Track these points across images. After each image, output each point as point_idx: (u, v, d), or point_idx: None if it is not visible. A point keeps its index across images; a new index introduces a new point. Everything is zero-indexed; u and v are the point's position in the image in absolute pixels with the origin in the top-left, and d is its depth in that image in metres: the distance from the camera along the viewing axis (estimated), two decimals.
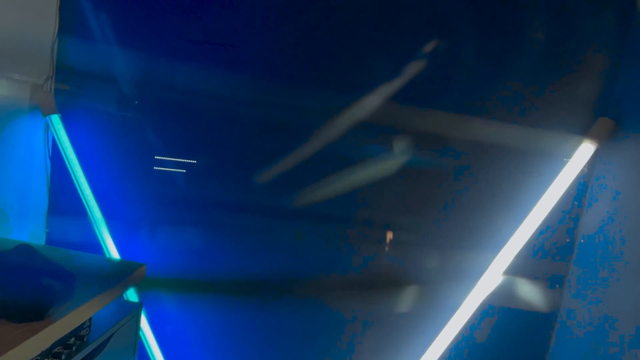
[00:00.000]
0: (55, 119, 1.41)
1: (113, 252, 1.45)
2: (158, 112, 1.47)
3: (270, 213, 1.46)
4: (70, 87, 1.45)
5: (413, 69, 1.36)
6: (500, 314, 1.40)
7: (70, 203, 1.45)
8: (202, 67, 1.42)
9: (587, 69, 1.31)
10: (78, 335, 0.94)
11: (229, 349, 1.53)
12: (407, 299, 1.44)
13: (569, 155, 1.29)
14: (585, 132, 1.28)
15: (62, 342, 0.89)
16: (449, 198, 1.41)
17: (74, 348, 0.92)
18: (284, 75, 1.43)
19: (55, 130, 1.41)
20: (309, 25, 1.40)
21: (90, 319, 0.97)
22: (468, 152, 1.38)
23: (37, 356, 0.82)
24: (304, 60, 1.43)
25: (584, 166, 1.30)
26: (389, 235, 1.46)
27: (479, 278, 1.33)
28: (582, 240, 1.34)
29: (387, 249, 1.46)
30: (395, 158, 1.40)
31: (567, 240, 1.36)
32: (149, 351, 1.49)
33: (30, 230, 1.47)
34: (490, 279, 1.33)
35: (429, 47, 1.36)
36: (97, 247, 1.44)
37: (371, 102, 1.38)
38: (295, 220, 1.45)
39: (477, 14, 1.35)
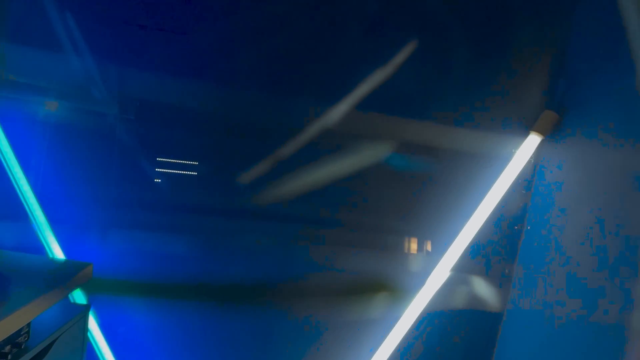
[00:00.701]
0: None
1: (58, 254, 1.36)
2: (99, 98, 1.38)
3: (228, 215, 1.42)
4: (2, 73, 1.34)
5: (377, 76, 1.37)
6: (447, 313, 1.42)
7: (5, 197, 1.34)
8: (147, 56, 1.36)
9: (535, 64, 1.37)
10: (14, 343, 0.87)
11: (184, 353, 1.48)
12: (357, 302, 1.45)
13: (515, 147, 1.35)
14: (531, 124, 1.34)
15: None
16: (402, 199, 1.43)
17: (9, 356, 0.85)
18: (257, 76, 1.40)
19: None
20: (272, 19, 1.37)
21: (28, 324, 0.90)
22: (416, 153, 1.41)
23: None
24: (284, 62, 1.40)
25: (530, 157, 1.36)
26: (342, 237, 1.46)
27: (426, 278, 1.36)
28: (528, 228, 1.40)
29: (338, 251, 1.45)
30: (353, 161, 1.41)
31: (515, 229, 1.41)
32: (99, 355, 1.42)
33: None
34: (436, 279, 1.36)
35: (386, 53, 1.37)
36: (37, 245, 1.35)
37: (339, 110, 1.38)
38: (254, 223, 1.43)
39: (427, 15, 1.38)
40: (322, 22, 1.39)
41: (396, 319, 1.38)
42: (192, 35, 1.37)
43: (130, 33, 1.36)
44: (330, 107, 1.38)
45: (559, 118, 1.32)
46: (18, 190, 1.33)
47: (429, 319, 1.40)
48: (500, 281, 1.43)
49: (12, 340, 0.86)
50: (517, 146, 1.35)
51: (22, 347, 0.89)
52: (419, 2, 1.37)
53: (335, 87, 1.39)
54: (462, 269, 1.38)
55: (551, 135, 1.33)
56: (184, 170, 1.42)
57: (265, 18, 1.37)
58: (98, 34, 1.35)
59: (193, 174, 1.42)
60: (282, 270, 1.46)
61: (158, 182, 1.41)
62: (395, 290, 1.41)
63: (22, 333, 0.88)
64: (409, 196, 1.43)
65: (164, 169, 1.41)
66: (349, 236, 1.46)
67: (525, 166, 1.35)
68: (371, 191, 1.45)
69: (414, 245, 1.44)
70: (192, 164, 1.42)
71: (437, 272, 1.36)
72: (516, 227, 1.41)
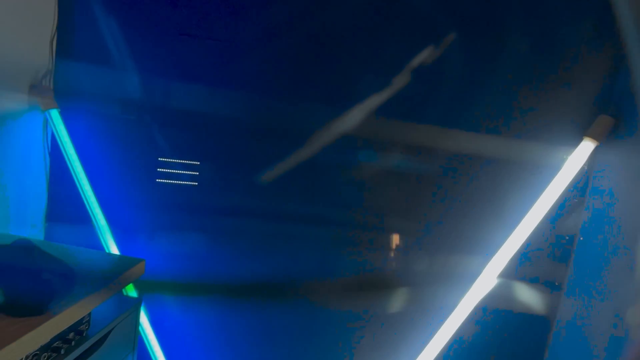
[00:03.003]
0: (54, 114, 1.41)
1: (112, 249, 1.45)
2: (158, 109, 1.46)
3: (268, 217, 1.46)
4: (69, 82, 1.45)
5: (408, 81, 1.36)
6: (496, 317, 1.39)
7: (70, 198, 1.45)
8: (201, 65, 1.42)
9: (588, 67, 1.31)
10: (77, 330, 0.94)
11: (227, 347, 1.53)
12: (402, 302, 1.44)
13: (568, 153, 1.29)
14: (585, 130, 1.28)
15: (62, 336, 0.89)
16: (446, 199, 1.41)
17: (73, 343, 0.92)
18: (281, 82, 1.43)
19: (54, 125, 1.41)
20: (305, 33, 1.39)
21: (89, 314, 0.97)
22: (465, 154, 1.38)
23: (37, 351, 0.82)
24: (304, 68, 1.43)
25: (584, 164, 1.30)
26: (387, 239, 1.46)
27: (474, 280, 1.33)
28: (581, 238, 1.34)
29: (384, 252, 1.46)
30: (391, 164, 1.41)
31: (566, 239, 1.36)
32: (148, 347, 1.49)
33: (29, 225, 1.47)
34: (486, 281, 1.33)
35: (423, 59, 1.36)
36: (96, 243, 1.44)
37: (359, 115, 1.38)
38: (293, 224, 1.45)
39: (465, 18, 1.35)
40: (364, 28, 1.40)
41: (440, 322, 1.36)
42: (230, 43, 1.41)
43: (173, 41, 1.42)
44: (368, 116, 1.38)
45: (615, 123, 1.25)
46: (82, 195, 1.43)
47: (475, 324, 1.37)
48: (552, 289, 1.38)
49: (75, 327, 0.93)
50: (569, 152, 1.29)
51: (84, 334, 0.96)
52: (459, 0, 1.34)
53: (373, 94, 1.39)
54: (512, 275, 1.35)
55: (606, 141, 1.26)
56: (228, 175, 1.47)
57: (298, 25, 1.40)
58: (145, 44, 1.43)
59: (237, 179, 1.47)
60: (321, 269, 1.48)
61: (204, 186, 1.47)
62: (441, 293, 1.40)
63: (83, 322, 0.95)
64: (457, 203, 1.41)
65: (209, 173, 1.47)
66: (389, 238, 1.46)
67: (578, 173, 1.30)
68: (416, 198, 1.44)
69: (458, 250, 1.42)
70: (236, 169, 1.47)
71: (484, 277, 1.33)
72: (567, 237, 1.35)
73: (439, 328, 1.36)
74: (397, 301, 1.44)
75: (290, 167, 1.42)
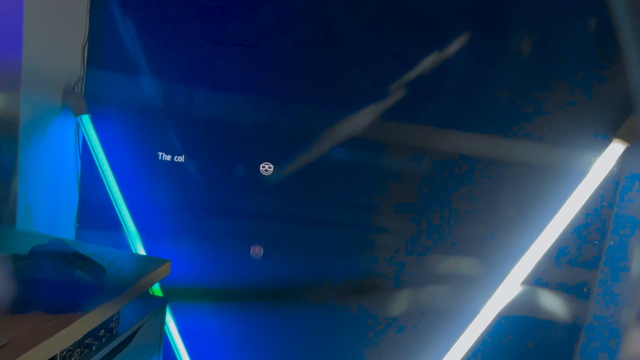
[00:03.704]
0: (86, 119, 1.46)
1: (139, 249, 1.49)
2: (183, 113, 1.50)
3: (291, 220, 1.48)
4: (100, 88, 1.50)
5: (424, 82, 1.35)
6: (521, 324, 1.36)
7: (99, 202, 1.50)
8: (224, 69, 1.45)
9: (617, 66, 1.27)
10: (108, 328, 0.97)
11: (249, 349, 1.55)
12: (422, 307, 1.43)
13: (597, 155, 1.26)
14: (614, 131, 1.24)
15: (93, 333, 0.93)
16: (469, 203, 1.39)
17: (103, 340, 0.95)
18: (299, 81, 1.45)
19: (85, 129, 1.46)
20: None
21: (118, 312, 1.00)
22: (489, 156, 1.36)
23: (70, 346, 0.85)
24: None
25: (614, 166, 1.26)
26: (405, 242, 1.45)
27: (498, 286, 1.31)
28: (610, 243, 1.30)
29: (404, 255, 1.45)
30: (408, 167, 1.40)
31: (595, 244, 1.32)
32: (173, 346, 1.52)
33: (61, 225, 1.52)
34: (510, 287, 1.30)
35: (442, 58, 1.35)
36: (124, 245, 1.49)
37: (370, 117, 1.38)
38: (316, 227, 1.46)
39: (486, 17, 1.33)
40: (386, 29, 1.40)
41: (462, 329, 1.34)
42: (253, 48, 1.44)
43: (198, 48, 1.45)
44: (381, 118, 1.38)
45: None
46: (112, 198, 1.48)
47: (498, 331, 1.35)
48: (580, 296, 1.34)
49: (105, 325, 0.96)
50: (598, 154, 1.26)
51: (113, 332, 0.99)
52: None
53: (390, 95, 1.38)
54: (538, 282, 1.32)
55: (637, 143, 1.23)
56: (252, 178, 1.49)
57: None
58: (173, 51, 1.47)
59: (263, 183, 1.49)
60: (345, 272, 1.48)
61: (231, 190, 1.50)
62: (464, 296, 1.38)
63: (113, 319, 0.99)
64: (479, 207, 1.39)
65: (235, 177, 1.50)
66: (407, 241, 1.45)
67: (607, 176, 1.26)
68: (436, 201, 1.43)
69: (481, 255, 1.40)
70: (263, 173, 1.49)
71: (508, 283, 1.30)
72: (596, 242, 1.31)
73: (461, 335, 1.34)
74: (417, 306, 1.43)
75: (301, 167, 1.43)
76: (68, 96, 1.45)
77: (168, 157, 1.49)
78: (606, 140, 1.25)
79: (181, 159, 1.49)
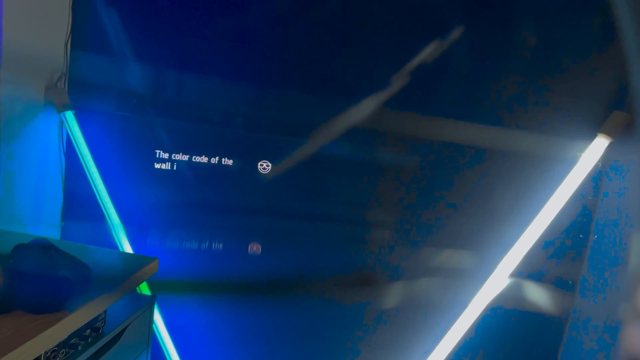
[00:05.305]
0: (69, 116, 1.43)
1: (126, 247, 1.47)
2: (170, 109, 1.48)
3: (278, 214, 1.47)
4: (83, 83, 1.47)
5: (419, 74, 1.35)
6: (508, 316, 1.38)
7: (84, 198, 1.47)
8: (212, 65, 1.43)
9: (603, 61, 1.29)
10: (93, 327, 0.96)
11: (238, 344, 1.55)
12: (413, 300, 1.44)
13: (582, 150, 1.28)
14: (599, 126, 1.26)
15: (78, 333, 0.91)
16: (458, 195, 1.41)
17: (89, 339, 0.94)
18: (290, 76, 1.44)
19: (69, 126, 1.44)
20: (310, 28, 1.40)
21: (105, 311, 0.99)
22: (476, 149, 1.38)
23: (55, 347, 0.84)
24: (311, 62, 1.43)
25: (598, 161, 1.28)
26: (398, 235, 1.46)
27: (486, 279, 1.32)
28: (594, 237, 1.32)
29: (395, 248, 1.46)
30: (399, 159, 1.41)
31: (580, 238, 1.34)
32: (161, 344, 1.51)
33: (46, 224, 1.50)
34: (497, 280, 1.32)
35: (434, 51, 1.35)
36: (110, 242, 1.47)
37: (370, 107, 1.38)
38: (306, 221, 1.46)
39: (478, 10, 1.34)
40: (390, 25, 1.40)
41: (451, 322, 1.36)
42: (252, 43, 1.42)
43: (184, 42, 1.43)
44: (376, 109, 1.38)
45: (630, 119, 1.23)
46: (97, 194, 1.46)
47: (488, 320, 1.36)
48: (565, 289, 1.36)
49: (91, 324, 0.95)
50: (583, 149, 1.28)
51: (100, 331, 0.98)
52: None
53: (386, 87, 1.39)
54: (524, 274, 1.34)
55: (621, 137, 1.25)
56: (240, 172, 1.48)
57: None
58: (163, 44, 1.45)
59: (251, 176, 1.48)
60: (334, 266, 1.49)
61: (215, 184, 1.48)
62: (452, 292, 1.39)
63: (99, 319, 0.97)
64: (468, 199, 1.40)
65: (221, 171, 1.49)
66: (400, 235, 1.45)
67: (591, 170, 1.28)
68: (426, 193, 1.43)
69: (469, 248, 1.41)
70: (248, 166, 1.48)
71: (496, 275, 1.32)
72: (581, 236, 1.34)
73: (450, 327, 1.35)
74: (409, 299, 1.44)
75: (297, 163, 1.43)
76: (51, 92, 1.41)
77: (156, 154, 1.47)
78: (591, 135, 1.27)
79: (166, 155, 1.48)
